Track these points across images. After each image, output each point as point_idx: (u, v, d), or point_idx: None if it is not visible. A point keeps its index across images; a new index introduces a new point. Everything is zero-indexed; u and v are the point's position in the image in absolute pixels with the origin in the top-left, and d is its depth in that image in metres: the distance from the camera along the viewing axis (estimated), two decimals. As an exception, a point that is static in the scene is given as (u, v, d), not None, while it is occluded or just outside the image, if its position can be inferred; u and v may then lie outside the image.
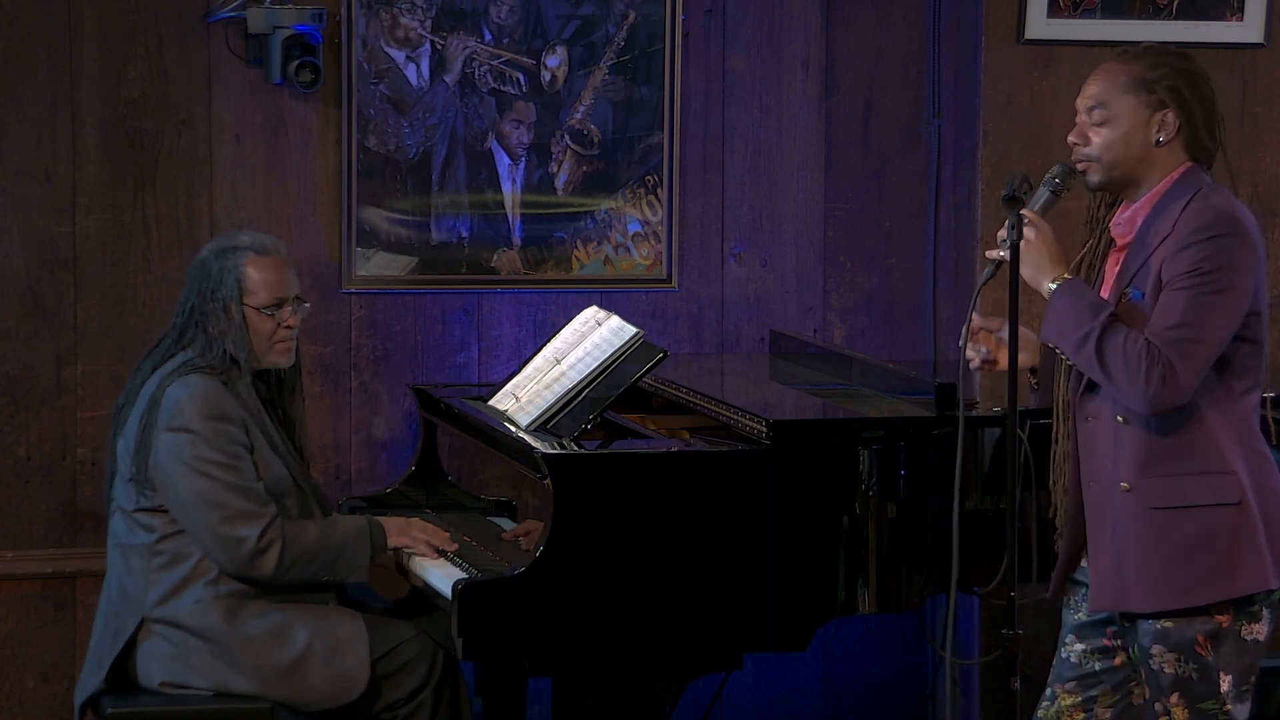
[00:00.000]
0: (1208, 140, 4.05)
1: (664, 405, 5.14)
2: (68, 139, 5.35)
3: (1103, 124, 4.03)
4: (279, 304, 4.81)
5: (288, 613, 4.70)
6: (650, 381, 5.04)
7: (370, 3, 5.48)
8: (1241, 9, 5.72)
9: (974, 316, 4.16)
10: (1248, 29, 5.74)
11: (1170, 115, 4.01)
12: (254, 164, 5.47)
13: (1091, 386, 4.05)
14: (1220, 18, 5.72)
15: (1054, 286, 4.00)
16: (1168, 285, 3.93)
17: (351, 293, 5.55)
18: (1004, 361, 4.10)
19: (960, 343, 4.17)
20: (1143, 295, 3.97)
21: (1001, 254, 4.02)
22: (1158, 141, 4.01)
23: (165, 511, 4.70)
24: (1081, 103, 4.07)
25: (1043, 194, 4.07)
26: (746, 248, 5.80)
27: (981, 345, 4.21)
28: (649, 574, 4.48)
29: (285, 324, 4.83)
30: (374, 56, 5.49)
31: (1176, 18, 5.69)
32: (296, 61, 5.32)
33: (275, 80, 5.36)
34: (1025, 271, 4.01)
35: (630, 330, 4.83)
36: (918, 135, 5.87)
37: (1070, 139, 4.07)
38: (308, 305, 4.94)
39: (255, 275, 4.79)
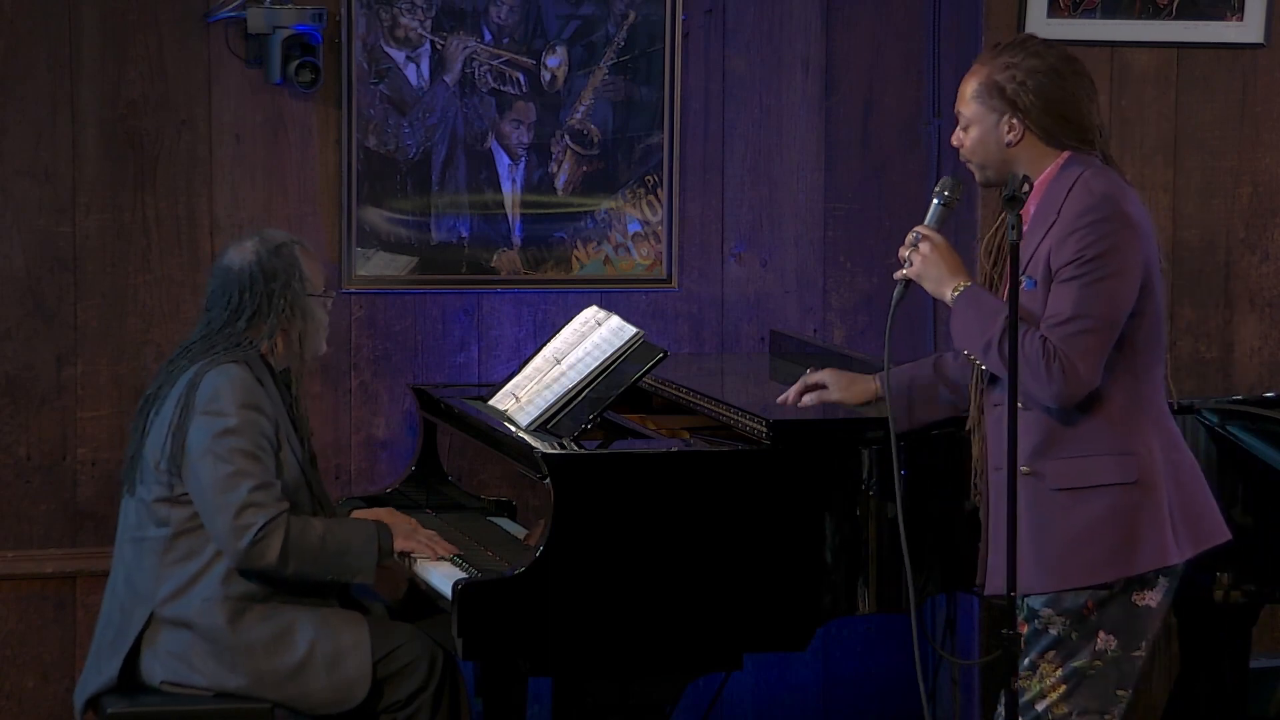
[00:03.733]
0: (1065, 133, 4.11)
1: (664, 405, 5.14)
2: (68, 139, 5.35)
3: (965, 129, 4.17)
4: (328, 290, 4.90)
5: (292, 617, 4.70)
6: (650, 381, 5.04)
7: (370, 3, 5.48)
8: (1241, 9, 5.72)
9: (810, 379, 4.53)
10: (1248, 29, 5.74)
11: (1014, 118, 4.09)
12: (254, 164, 5.47)
13: (994, 377, 4.14)
14: (1220, 18, 5.72)
15: (955, 295, 4.10)
16: (1056, 276, 4.02)
17: (351, 293, 5.54)
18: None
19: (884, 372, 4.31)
20: (1035, 284, 4.06)
21: (906, 273, 4.17)
22: (1010, 143, 4.11)
23: (184, 505, 4.69)
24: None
25: (933, 207, 4.19)
26: (746, 248, 5.80)
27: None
28: (649, 574, 4.48)
29: (328, 310, 4.90)
30: (374, 56, 5.49)
31: (1176, 18, 5.69)
32: (296, 61, 5.32)
33: (275, 80, 5.36)
34: (928, 285, 4.17)
35: (630, 330, 4.83)
36: (918, 135, 5.87)
37: (952, 142, 4.22)
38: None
39: (307, 264, 4.82)
